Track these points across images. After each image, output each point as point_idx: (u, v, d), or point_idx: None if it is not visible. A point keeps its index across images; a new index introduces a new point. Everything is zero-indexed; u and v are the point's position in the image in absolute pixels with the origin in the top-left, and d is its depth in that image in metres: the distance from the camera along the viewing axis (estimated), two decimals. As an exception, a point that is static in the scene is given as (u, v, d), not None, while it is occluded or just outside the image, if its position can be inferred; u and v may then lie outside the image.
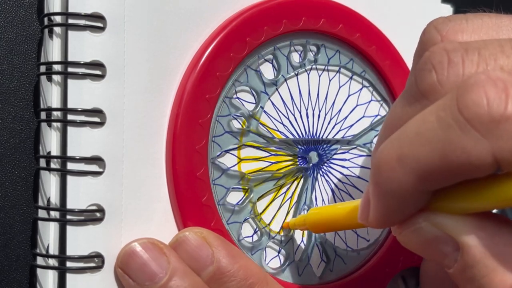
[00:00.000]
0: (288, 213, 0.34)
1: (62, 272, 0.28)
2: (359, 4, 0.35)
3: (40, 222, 0.29)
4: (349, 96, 0.36)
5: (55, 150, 0.29)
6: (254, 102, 0.33)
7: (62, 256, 0.28)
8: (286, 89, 0.34)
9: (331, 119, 0.35)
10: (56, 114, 0.29)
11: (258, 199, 0.33)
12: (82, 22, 0.28)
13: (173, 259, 0.28)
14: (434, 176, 0.21)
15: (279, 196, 0.33)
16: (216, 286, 0.29)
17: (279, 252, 0.33)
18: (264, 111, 0.33)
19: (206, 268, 0.28)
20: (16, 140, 0.30)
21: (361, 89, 0.36)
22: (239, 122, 0.32)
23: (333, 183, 0.35)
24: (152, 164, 0.30)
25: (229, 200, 0.32)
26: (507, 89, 0.20)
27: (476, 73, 0.21)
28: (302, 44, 0.34)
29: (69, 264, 0.28)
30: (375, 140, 0.36)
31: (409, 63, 0.37)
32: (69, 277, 0.28)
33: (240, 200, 0.32)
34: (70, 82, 0.28)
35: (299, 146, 0.34)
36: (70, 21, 0.28)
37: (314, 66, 0.35)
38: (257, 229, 0.32)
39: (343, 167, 0.35)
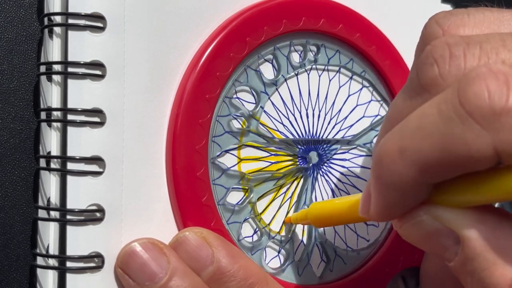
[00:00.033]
0: (288, 213, 0.34)
1: (62, 272, 0.28)
2: (359, 4, 0.35)
3: (40, 222, 0.29)
4: (349, 96, 0.36)
5: (55, 150, 0.29)
6: (254, 102, 0.33)
7: (62, 256, 0.28)
8: (286, 89, 0.34)
9: (331, 119, 0.35)
10: (56, 114, 0.29)
11: (258, 199, 0.33)
12: (82, 22, 0.28)
13: (173, 259, 0.28)
14: (435, 169, 0.21)
15: (279, 196, 0.33)
16: (216, 286, 0.29)
17: (279, 252, 0.33)
18: (264, 111, 0.33)
19: (206, 268, 0.28)
20: (16, 140, 0.30)
21: (361, 89, 0.36)
22: (239, 122, 0.32)
23: (333, 183, 0.35)
24: (152, 164, 0.30)
25: (229, 200, 0.32)
26: (509, 82, 0.20)
27: (477, 66, 0.21)
28: (302, 44, 0.34)
29: (69, 264, 0.28)
30: (375, 140, 0.36)
31: (409, 63, 0.36)
32: (69, 277, 0.28)
33: (240, 200, 0.32)
34: (70, 82, 0.28)
35: (299, 146, 0.34)
36: (70, 21, 0.28)
37: (314, 66, 0.35)
38: (257, 229, 0.32)
39: (343, 167, 0.35)
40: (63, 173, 0.28)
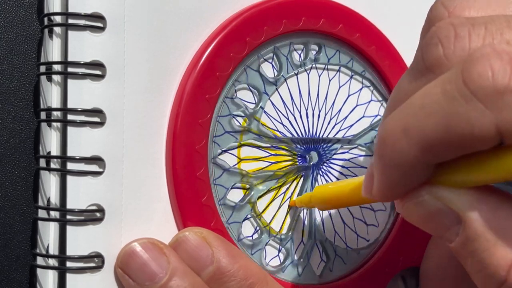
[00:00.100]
0: (288, 212, 0.34)
1: (62, 272, 0.28)
2: (359, 4, 0.35)
3: (40, 222, 0.29)
4: (349, 96, 0.36)
5: (55, 150, 0.29)
6: (254, 102, 0.33)
7: (62, 256, 0.28)
8: (286, 89, 0.34)
9: (331, 119, 0.35)
10: (56, 114, 0.29)
11: (258, 198, 0.33)
12: (82, 22, 0.28)
13: (173, 259, 0.28)
14: (437, 148, 0.21)
15: (279, 195, 0.33)
16: (216, 286, 0.29)
17: (279, 251, 0.33)
18: (264, 111, 0.33)
19: (206, 268, 0.28)
20: (16, 140, 0.30)
21: (361, 89, 0.36)
22: (239, 122, 0.32)
23: (332, 180, 0.35)
24: (152, 164, 0.30)
25: (229, 199, 0.32)
26: None
27: (482, 47, 0.21)
28: (303, 42, 0.34)
29: (69, 264, 0.28)
30: (375, 141, 0.36)
31: (409, 63, 0.36)
32: (69, 277, 0.28)
33: (240, 199, 0.32)
34: (70, 82, 0.28)
35: (299, 146, 0.34)
36: (70, 21, 0.28)
37: (314, 65, 0.35)
38: (257, 228, 0.32)
39: (343, 167, 0.35)
40: (63, 173, 0.28)
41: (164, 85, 0.30)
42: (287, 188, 0.34)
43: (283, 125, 0.34)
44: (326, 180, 0.35)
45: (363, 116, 0.36)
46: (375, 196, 0.24)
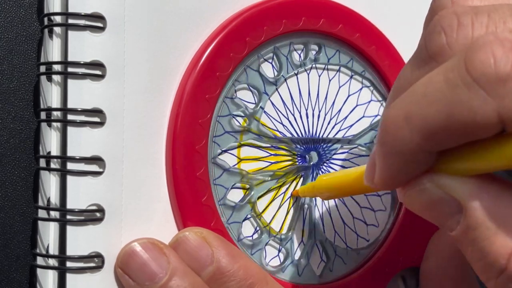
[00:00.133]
0: (288, 212, 0.34)
1: (62, 272, 0.28)
2: (359, 4, 0.35)
3: (40, 222, 0.29)
4: (349, 96, 0.36)
5: (55, 150, 0.29)
6: (254, 102, 0.33)
7: (62, 256, 0.28)
8: (286, 89, 0.34)
9: (331, 119, 0.35)
10: (56, 114, 0.29)
11: (258, 198, 0.33)
12: (82, 22, 0.28)
13: (173, 259, 0.28)
14: (439, 136, 0.21)
15: (279, 195, 0.33)
16: (216, 286, 0.29)
17: (279, 251, 0.33)
18: (264, 112, 0.33)
19: (206, 268, 0.28)
20: (16, 140, 0.30)
21: (361, 89, 0.36)
22: (239, 122, 0.32)
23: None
24: (152, 164, 0.30)
25: (229, 199, 0.32)
26: None
27: (485, 35, 0.21)
28: (303, 42, 0.34)
29: (69, 264, 0.28)
30: (375, 140, 0.36)
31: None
32: (69, 277, 0.28)
33: (240, 200, 0.32)
34: (70, 82, 0.28)
35: (299, 146, 0.34)
36: (70, 21, 0.28)
37: (314, 65, 0.35)
38: (257, 228, 0.32)
39: (343, 167, 0.35)
40: (63, 173, 0.28)
41: (164, 85, 0.30)
42: (287, 188, 0.34)
43: (283, 125, 0.34)
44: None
45: (363, 116, 0.36)
46: (377, 185, 0.25)
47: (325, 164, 0.35)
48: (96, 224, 0.28)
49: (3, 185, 0.30)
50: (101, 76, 0.29)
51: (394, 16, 0.37)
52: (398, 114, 0.22)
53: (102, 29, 0.29)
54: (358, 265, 0.35)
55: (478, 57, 0.20)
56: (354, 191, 0.30)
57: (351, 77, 0.36)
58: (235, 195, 0.32)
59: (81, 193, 0.28)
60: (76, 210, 0.28)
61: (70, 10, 0.28)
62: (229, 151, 0.32)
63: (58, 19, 0.29)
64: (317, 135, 0.35)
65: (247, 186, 0.32)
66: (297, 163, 0.34)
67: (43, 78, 0.30)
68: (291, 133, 0.34)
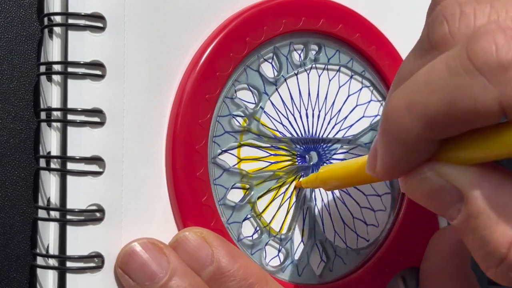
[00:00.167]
0: (288, 212, 0.34)
1: (62, 272, 0.28)
2: (359, 4, 0.35)
3: (40, 222, 0.29)
4: (349, 96, 0.36)
5: (55, 150, 0.29)
6: (254, 102, 0.33)
7: (62, 256, 0.28)
8: (286, 89, 0.34)
9: (331, 119, 0.35)
10: (56, 114, 0.29)
11: (258, 198, 0.33)
12: (82, 22, 0.28)
13: (173, 259, 0.28)
14: (441, 124, 0.21)
15: (279, 195, 0.33)
16: (216, 286, 0.29)
17: (279, 251, 0.33)
18: (264, 112, 0.33)
19: (206, 268, 0.28)
20: (16, 140, 0.30)
21: (361, 89, 0.36)
22: (239, 122, 0.32)
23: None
24: (152, 164, 0.30)
25: (229, 199, 0.32)
26: None
27: (487, 23, 0.21)
28: (303, 42, 0.34)
29: (69, 264, 0.28)
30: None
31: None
32: (69, 277, 0.28)
33: (240, 200, 0.32)
34: (70, 82, 0.28)
35: (299, 146, 0.34)
36: (70, 21, 0.28)
37: (314, 65, 0.35)
38: (257, 228, 0.32)
39: (343, 167, 0.35)
40: (63, 173, 0.28)
41: (164, 85, 0.30)
42: (287, 188, 0.34)
43: (283, 125, 0.34)
44: (326, 180, 0.35)
45: (363, 116, 0.36)
46: (378, 173, 0.25)
47: (324, 164, 0.35)
48: (96, 224, 0.28)
49: (3, 185, 0.30)
50: (101, 76, 0.29)
51: (394, 16, 0.37)
52: (400, 102, 0.22)
53: (102, 29, 0.29)
54: (358, 265, 0.35)
55: (480, 45, 0.20)
56: (357, 181, 0.30)
57: (351, 77, 0.36)
58: (235, 195, 0.32)
59: (81, 193, 0.28)
60: (76, 210, 0.28)
61: (70, 10, 0.28)
62: (229, 151, 0.32)
63: (58, 19, 0.29)
64: (317, 135, 0.35)
65: (247, 186, 0.32)
66: (297, 163, 0.34)
67: (43, 78, 0.30)
68: (291, 133, 0.34)
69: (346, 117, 0.35)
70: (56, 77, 0.29)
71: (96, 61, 0.28)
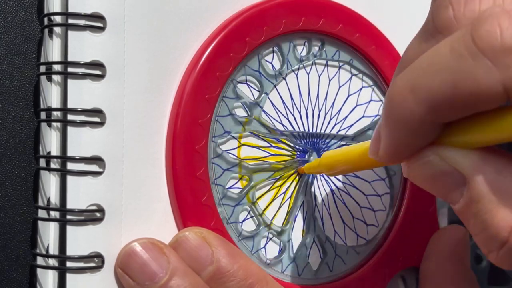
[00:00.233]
0: (288, 212, 0.34)
1: (62, 272, 0.28)
2: (359, 4, 0.35)
3: (40, 222, 0.29)
4: (349, 95, 0.36)
5: (55, 150, 0.29)
6: (254, 101, 0.33)
7: (62, 256, 0.28)
8: (285, 89, 0.34)
9: (331, 119, 0.35)
10: (56, 114, 0.29)
11: (258, 198, 0.33)
12: (82, 22, 0.28)
13: (173, 259, 0.28)
14: (444, 107, 0.21)
15: (279, 195, 0.33)
16: (216, 286, 0.29)
17: (279, 250, 0.33)
18: (264, 111, 0.33)
19: (206, 268, 0.28)
20: (16, 140, 0.30)
21: (361, 89, 0.36)
22: (239, 122, 0.32)
23: (331, 180, 0.35)
24: (152, 164, 0.30)
25: (229, 199, 0.32)
26: None
27: (491, 7, 0.21)
28: (305, 39, 0.34)
29: (69, 264, 0.28)
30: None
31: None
32: (69, 277, 0.28)
33: (240, 199, 0.32)
34: (70, 82, 0.28)
35: (299, 141, 0.34)
36: (70, 21, 0.28)
37: (315, 61, 0.35)
38: (257, 228, 0.32)
39: (343, 167, 0.35)
40: (63, 173, 0.28)
41: (164, 85, 0.30)
42: (287, 188, 0.34)
43: (283, 125, 0.34)
44: (325, 178, 0.35)
45: (363, 116, 0.36)
46: (381, 157, 0.25)
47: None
48: (96, 224, 0.28)
49: (3, 185, 0.30)
50: (101, 76, 0.29)
51: (394, 16, 0.37)
52: (404, 85, 0.22)
53: (102, 29, 0.29)
54: (358, 265, 0.35)
55: (484, 28, 0.20)
56: (360, 166, 0.30)
57: (351, 77, 0.36)
58: (235, 195, 0.32)
59: (81, 193, 0.28)
60: (76, 210, 0.28)
61: (70, 10, 0.28)
62: (229, 151, 0.32)
63: (58, 19, 0.29)
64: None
65: (247, 175, 0.32)
66: (297, 157, 0.34)
67: (43, 78, 0.30)
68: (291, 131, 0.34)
69: (346, 117, 0.35)
70: (56, 77, 0.29)
71: (96, 61, 0.28)
